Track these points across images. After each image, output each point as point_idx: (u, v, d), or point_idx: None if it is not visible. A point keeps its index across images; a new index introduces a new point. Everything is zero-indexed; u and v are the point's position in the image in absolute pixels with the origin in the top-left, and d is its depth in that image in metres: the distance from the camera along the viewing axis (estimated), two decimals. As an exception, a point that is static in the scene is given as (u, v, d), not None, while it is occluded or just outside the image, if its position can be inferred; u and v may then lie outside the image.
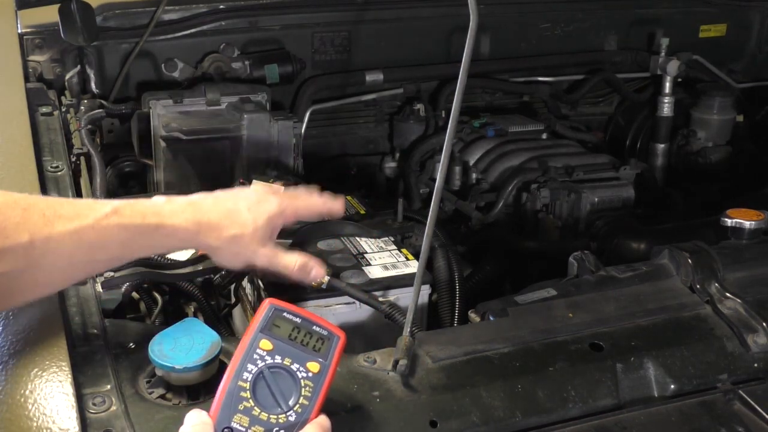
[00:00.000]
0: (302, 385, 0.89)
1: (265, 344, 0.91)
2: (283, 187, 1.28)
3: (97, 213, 1.03)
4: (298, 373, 0.89)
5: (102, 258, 1.06)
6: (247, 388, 0.88)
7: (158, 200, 1.11)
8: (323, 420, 0.89)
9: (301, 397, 0.88)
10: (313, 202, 1.29)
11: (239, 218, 1.15)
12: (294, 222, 1.28)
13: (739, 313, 1.19)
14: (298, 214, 1.27)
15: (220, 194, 1.18)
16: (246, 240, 1.16)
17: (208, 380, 1.02)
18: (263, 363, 0.89)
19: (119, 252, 1.07)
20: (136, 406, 0.98)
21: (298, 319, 0.93)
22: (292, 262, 1.23)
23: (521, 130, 2.39)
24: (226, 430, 0.86)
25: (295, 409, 0.88)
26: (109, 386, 0.99)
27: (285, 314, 0.93)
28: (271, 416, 0.87)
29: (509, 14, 2.53)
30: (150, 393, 1.01)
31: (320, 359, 0.91)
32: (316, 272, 1.26)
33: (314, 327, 0.93)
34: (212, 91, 2.09)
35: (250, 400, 0.87)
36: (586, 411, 1.06)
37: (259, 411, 0.87)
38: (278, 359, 0.90)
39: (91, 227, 1.01)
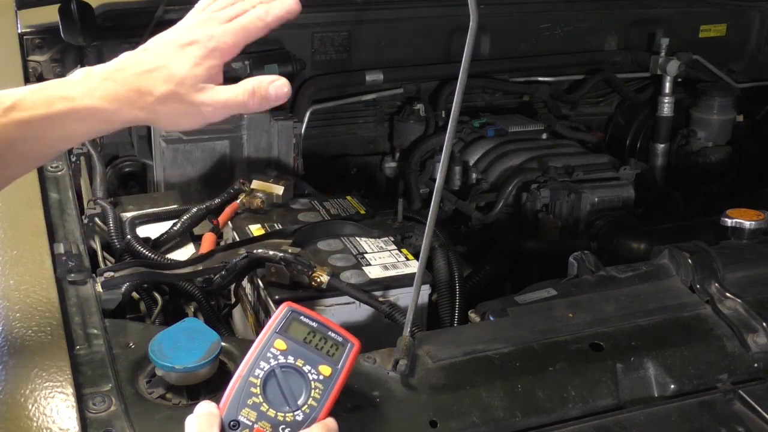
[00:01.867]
0: (312, 386, 0.90)
1: (280, 344, 0.92)
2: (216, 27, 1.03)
3: None
4: (309, 374, 0.90)
5: (12, 160, 0.96)
6: (258, 384, 0.89)
7: (73, 78, 0.98)
8: (330, 422, 0.89)
9: (311, 398, 0.89)
10: (247, 20, 1.04)
11: (162, 74, 0.98)
12: (237, 54, 1.05)
13: (739, 313, 1.19)
14: (237, 43, 1.03)
15: (140, 54, 1.01)
16: (177, 96, 0.98)
17: (208, 380, 1.02)
18: (276, 362, 0.90)
19: (31, 150, 0.97)
20: (136, 406, 0.98)
21: (314, 324, 0.94)
22: (241, 93, 1.01)
23: (521, 130, 2.39)
24: (233, 422, 0.87)
25: (303, 409, 0.88)
26: (109, 386, 0.99)
27: (302, 318, 0.94)
28: (278, 414, 0.88)
29: (509, 14, 2.53)
30: (150, 393, 1.01)
31: (333, 364, 0.92)
32: (276, 88, 1.02)
33: (330, 333, 0.94)
34: (212, 91, 2.09)
35: (260, 396, 0.88)
36: (586, 411, 1.06)
37: (267, 407, 0.88)
38: (291, 359, 0.91)
39: None
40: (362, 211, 1.68)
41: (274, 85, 1.01)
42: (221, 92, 1.00)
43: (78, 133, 1.01)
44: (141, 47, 1.02)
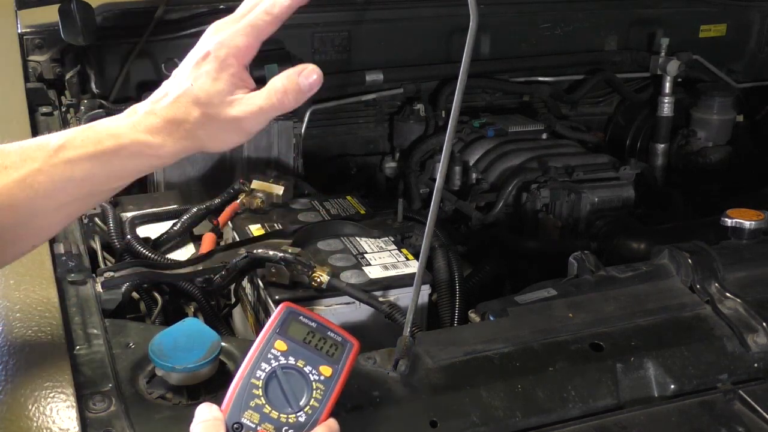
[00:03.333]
0: (314, 387, 0.90)
1: (280, 345, 0.92)
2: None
3: (45, 152, 0.91)
4: (310, 375, 0.91)
5: (64, 200, 0.94)
6: (260, 386, 0.89)
7: (120, 115, 0.97)
8: (332, 423, 0.89)
9: (312, 399, 0.89)
10: (253, 27, 1.01)
11: (188, 99, 0.95)
12: (254, 54, 1.00)
13: (739, 313, 1.19)
14: (249, 43, 1.00)
15: (167, 83, 0.99)
16: (210, 117, 0.95)
17: (208, 380, 1.02)
18: (277, 363, 0.91)
19: (82, 190, 0.94)
20: (136, 406, 0.98)
21: (313, 324, 0.95)
22: (273, 95, 0.96)
23: (521, 130, 2.39)
24: (236, 425, 0.87)
25: (305, 410, 0.89)
26: (109, 386, 0.99)
27: (301, 318, 0.95)
28: (281, 415, 0.88)
29: (509, 14, 2.53)
30: (150, 393, 1.01)
31: (333, 364, 0.92)
32: (306, 77, 0.97)
33: (329, 333, 0.94)
34: (212, 91, 2.09)
35: (262, 398, 0.88)
36: (586, 411, 1.06)
37: (269, 409, 0.88)
38: (291, 360, 0.91)
39: (39, 171, 0.91)
40: (362, 211, 1.68)
41: (303, 76, 0.96)
42: (253, 101, 0.96)
43: (128, 171, 0.98)
44: (168, 81, 0.99)
